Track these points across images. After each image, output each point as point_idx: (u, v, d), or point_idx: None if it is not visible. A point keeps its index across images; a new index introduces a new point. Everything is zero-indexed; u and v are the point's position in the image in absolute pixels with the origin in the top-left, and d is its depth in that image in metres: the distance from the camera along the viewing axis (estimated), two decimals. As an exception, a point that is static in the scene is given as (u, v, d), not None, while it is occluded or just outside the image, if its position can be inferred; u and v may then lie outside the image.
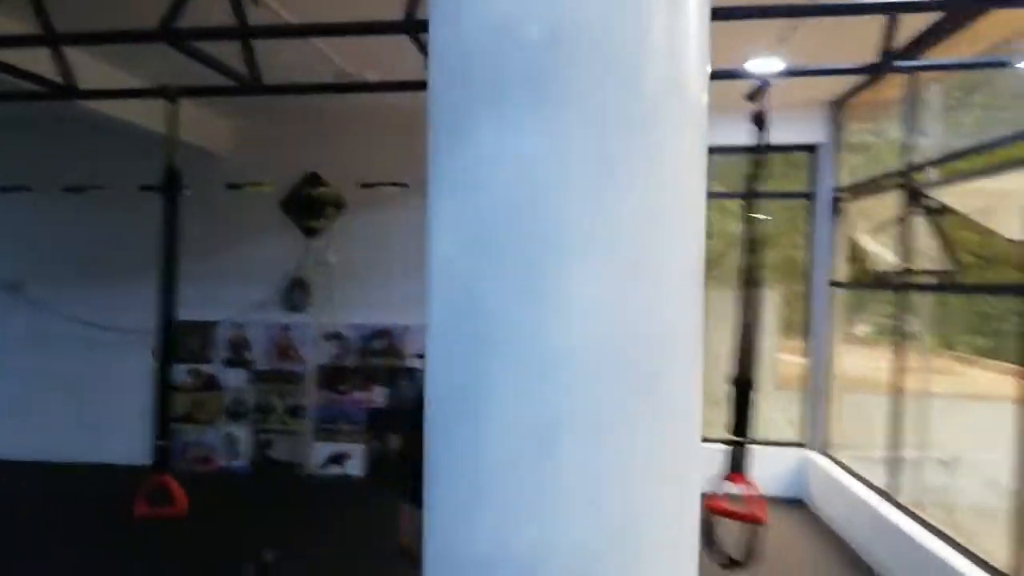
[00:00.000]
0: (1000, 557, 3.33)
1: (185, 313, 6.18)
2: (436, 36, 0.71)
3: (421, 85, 2.93)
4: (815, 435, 5.57)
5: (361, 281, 6.09)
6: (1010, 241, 4.06)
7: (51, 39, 2.51)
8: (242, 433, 6.10)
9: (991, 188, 4.07)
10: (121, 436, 6.27)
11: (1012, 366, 3.99)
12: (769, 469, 5.62)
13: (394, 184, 6.15)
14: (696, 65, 0.69)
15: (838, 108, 5.66)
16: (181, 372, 6.20)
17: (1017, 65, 3.33)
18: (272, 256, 6.24)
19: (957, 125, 5.26)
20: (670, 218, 0.67)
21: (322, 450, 5.94)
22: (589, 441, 0.65)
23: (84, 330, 6.40)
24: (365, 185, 6.13)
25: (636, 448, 0.66)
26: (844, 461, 5.15)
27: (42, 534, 4.64)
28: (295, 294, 6.21)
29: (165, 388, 3.18)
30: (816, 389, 5.64)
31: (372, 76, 5.24)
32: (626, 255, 0.65)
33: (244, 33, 2.61)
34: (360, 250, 6.13)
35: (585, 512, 0.66)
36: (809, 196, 5.89)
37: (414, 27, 2.41)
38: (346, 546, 4.44)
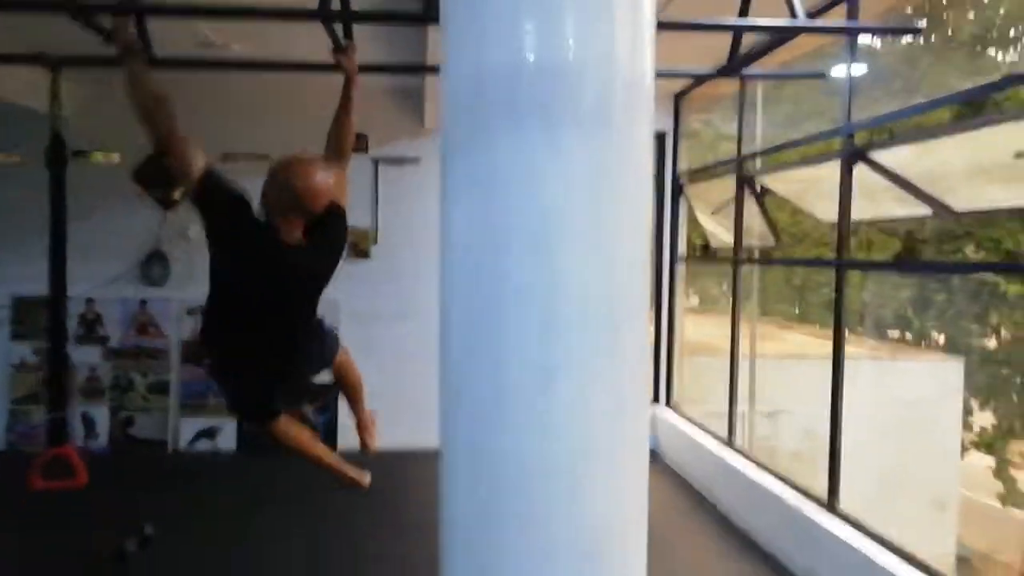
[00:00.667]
0: (819, 491, 3.99)
1: (30, 288, 5.82)
2: (455, 61, 0.93)
3: (298, 66, 3.03)
4: (665, 394, 6.23)
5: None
6: (818, 220, 4.78)
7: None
8: (99, 413, 5.82)
9: (806, 175, 4.75)
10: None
11: (820, 329, 4.71)
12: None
13: (259, 156, 6.06)
14: (650, 71, 0.95)
15: (680, 100, 6.28)
16: (26, 351, 5.79)
17: (832, 75, 3.97)
18: (126, 229, 5.96)
19: (773, 115, 6.18)
20: (634, 204, 0.94)
21: (191, 426, 5.81)
22: (576, 376, 0.91)
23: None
24: (227, 156, 5.99)
25: (610, 383, 0.94)
26: (690, 416, 5.83)
27: None
28: (153, 268, 5.98)
29: (58, 362, 3.08)
30: (665, 353, 6.29)
31: (240, 49, 5.16)
32: (605, 236, 0.91)
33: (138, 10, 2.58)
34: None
35: (572, 431, 0.92)
36: (656, 180, 6.48)
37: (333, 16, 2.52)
38: (223, 518, 4.46)
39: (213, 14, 2.53)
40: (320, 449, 3.32)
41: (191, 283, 5.81)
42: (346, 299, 6.09)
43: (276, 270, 2.59)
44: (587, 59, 0.83)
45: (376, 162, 6.13)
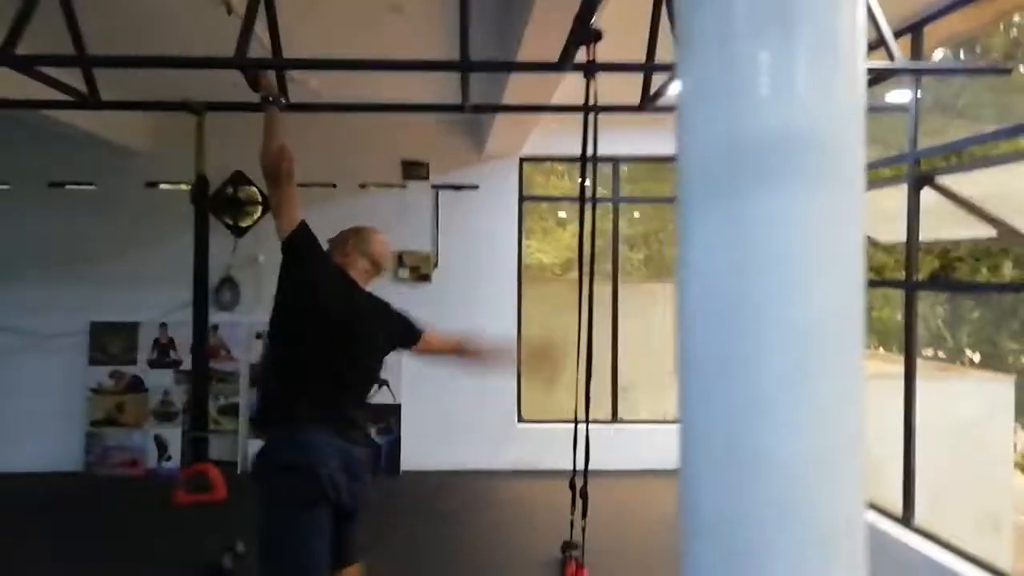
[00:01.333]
0: (885, 505, 4.06)
1: (106, 314, 6.06)
2: (701, 126, 1.07)
3: (361, 106, 3.12)
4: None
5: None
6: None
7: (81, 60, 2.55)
8: (171, 435, 6.00)
9: (867, 196, 4.83)
10: (37, 442, 5.99)
11: (870, 350, 4.74)
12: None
13: (322, 185, 6.28)
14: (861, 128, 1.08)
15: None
16: (102, 375, 6.00)
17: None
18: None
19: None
20: (858, 244, 1.08)
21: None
22: (827, 388, 1.03)
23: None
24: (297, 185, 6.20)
25: (849, 394, 1.06)
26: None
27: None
28: (224, 293, 6.19)
29: (201, 384, 3.24)
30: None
31: (316, 84, 5.38)
32: (838, 269, 1.05)
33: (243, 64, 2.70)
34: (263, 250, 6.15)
35: (824, 423, 1.03)
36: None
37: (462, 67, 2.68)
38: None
39: (355, 66, 2.65)
40: None
41: (259, 308, 6.01)
42: (408, 322, 6.27)
43: (353, 306, 2.65)
44: (826, 123, 0.97)
45: (436, 189, 6.32)
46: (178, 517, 4.79)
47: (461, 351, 2.92)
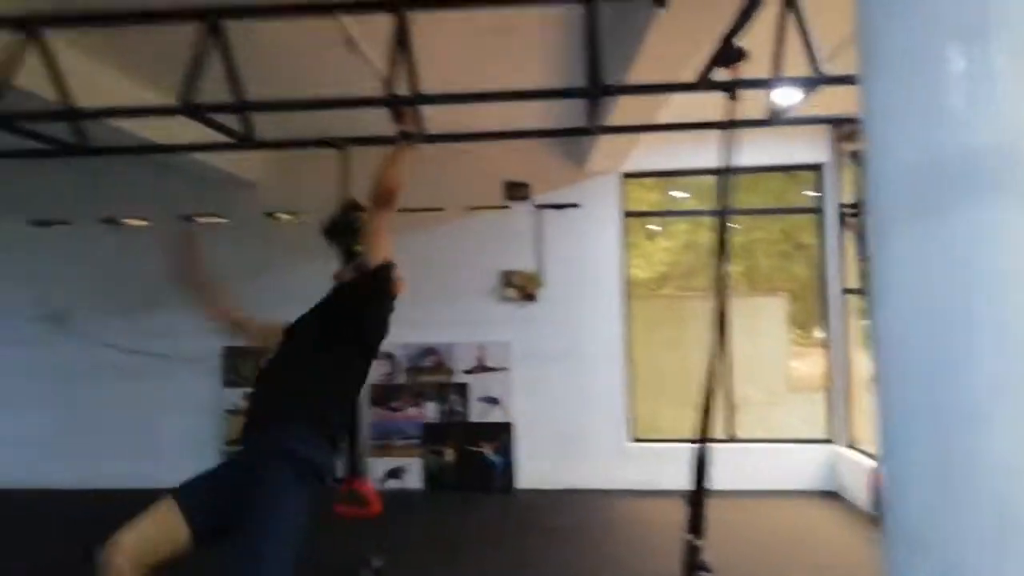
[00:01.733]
0: None
1: (232, 339, 6.43)
2: (889, 133, 1.06)
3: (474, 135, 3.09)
4: (841, 431, 6.05)
5: (405, 302, 6.37)
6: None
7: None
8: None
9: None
10: (177, 460, 6.42)
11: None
12: (799, 465, 6.09)
13: (430, 209, 6.49)
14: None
15: (839, 129, 6.20)
16: (236, 397, 6.38)
17: None
18: (317, 278, 6.47)
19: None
20: None
21: (379, 465, 6.19)
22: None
23: (129, 358, 6.54)
24: (402, 210, 6.43)
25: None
26: (873, 453, 5.63)
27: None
28: (341, 317, 6.46)
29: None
30: (837, 389, 6.12)
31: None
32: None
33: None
34: (402, 273, 6.40)
35: None
36: (817, 211, 6.40)
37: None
38: (422, 551, 4.73)
39: (490, 98, 2.73)
40: None
41: (374, 330, 6.25)
42: (516, 341, 6.36)
43: None
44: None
45: (539, 208, 6.41)
46: (311, 527, 5.02)
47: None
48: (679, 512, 5.50)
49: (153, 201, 6.62)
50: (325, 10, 2.75)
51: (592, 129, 2.87)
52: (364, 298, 2.80)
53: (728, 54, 2.21)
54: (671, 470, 6.26)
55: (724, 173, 2.49)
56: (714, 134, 3.59)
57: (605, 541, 5.00)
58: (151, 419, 6.60)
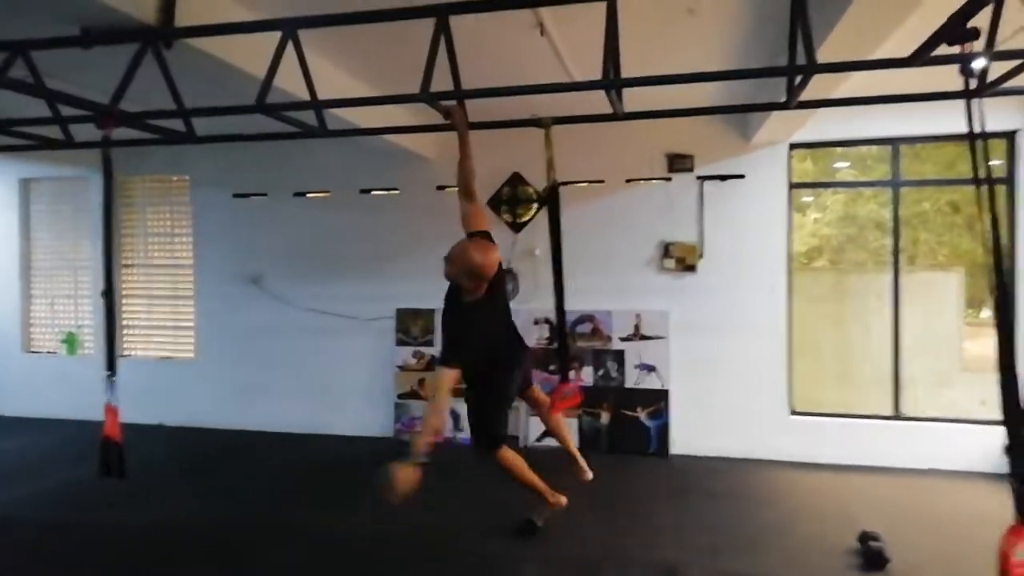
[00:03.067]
0: None
1: (408, 302, 6.98)
2: None
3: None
4: (1022, 413, 5.74)
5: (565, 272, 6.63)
6: None
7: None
8: (463, 409, 6.77)
9: None
10: (355, 410, 7.15)
11: None
12: (971, 446, 5.86)
13: (590, 182, 6.68)
14: None
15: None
16: (407, 355, 6.94)
17: None
18: (482, 249, 6.86)
19: None
20: None
21: (537, 425, 6.54)
22: None
23: (316, 318, 7.24)
24: (564, 183, 6.66)
25: None
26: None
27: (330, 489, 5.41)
28: (506, 283, 6.82)
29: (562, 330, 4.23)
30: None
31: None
32: None
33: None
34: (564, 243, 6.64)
35: None
36: (1007, 181, 6.01)
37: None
38: (581, 508, 4.96)
39: (688, 79, 2.86)
40: (531, 475, 4.20)
41: (537, 296, 6.58)
42: (674, 310, 6.48)
43: (467, 318, 3.75)
44: None
45: (701, 180, 6.43)
46: (475, 480, 5.43)
47: (466, 170, 3.96)
48: (839, 485, 5.51)
49: (337, 175, 7.24)
50: (542, 1, 2.95)
51: (789, 104, 2.94)
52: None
53: (962, 33, 2.23)
54: (830, 444, 6.22)
55: (973, 140, 2.48)
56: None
57: (769, 507, 5.08)
58: (333, 373, 7.29)
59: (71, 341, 8.13)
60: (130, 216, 7.95)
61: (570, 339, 6.63)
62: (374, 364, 7.16)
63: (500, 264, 3.86)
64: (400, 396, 6.98)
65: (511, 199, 6.84)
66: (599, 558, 4.18)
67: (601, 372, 6.58)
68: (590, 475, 4.49)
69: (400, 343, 7.02)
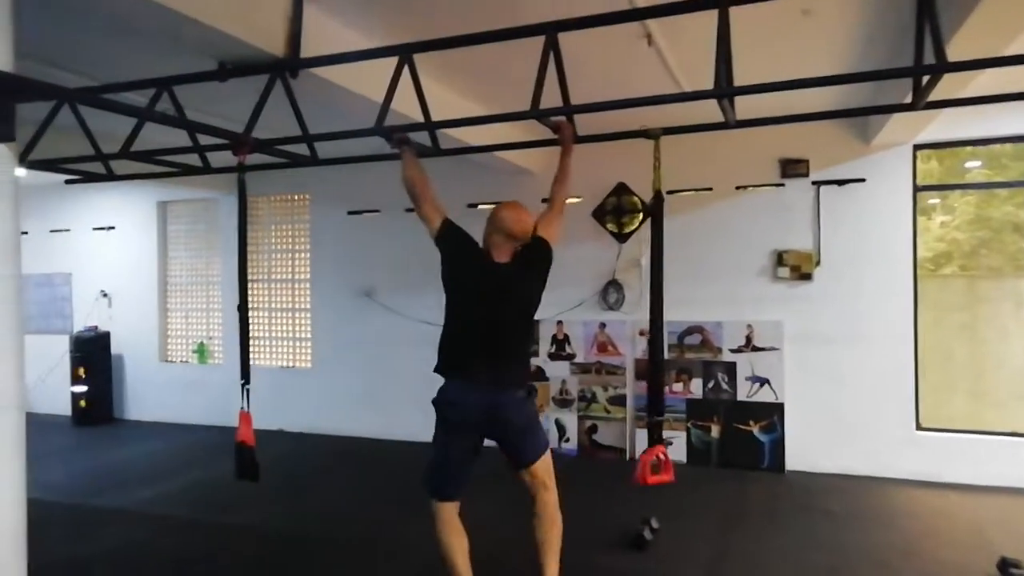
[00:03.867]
0: None
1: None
2: None
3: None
4: None
5: (670, 281, 6.52)
6: None
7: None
8: (569, 420, 6.80)
9: None
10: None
11: None
12: None
13: (698, 190, 6.56)
14: None
15: None
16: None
17: None
18: (588, 260, 6.86)
19: None
20: None
21: (642, 437, 6.45)
22: None
23: (427, 329, 7.44)
24: (670, 192, 6.56)
25: None
26: None
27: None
28: (610, 294, 6.81)
29: (657, 372, 3.74)
30: None
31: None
32: None
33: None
34: (668, 252, 6.54)
35: None
36: None
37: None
38: (694, 520, 4.90)
39: (806, 84, 2.76)
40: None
41: (641, 307, 6.49)
42: (789, 321, 6.25)
43: (488, 280, 3.30)
44: None
45: (817, 185, 6.19)
46: (586, 491, 5.43)
47: (558, 181, 3.66)
48: (971, 506, 5.13)
49: (446, 191, 7.42)
50: (650, 14, 2.95)
51: (916, 106, 2.79)
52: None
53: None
54: (960, 463, 5.80)
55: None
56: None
57: (893, 528, 4.80)
58: (435, 383, 7.45)
59: (202, 351, 8.75)
60: (255, 234, 8.48)
61: (678, 351, 6.52)
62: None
63: (541, 238, 3.42)
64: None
65: (616, 209, 6.81)
66: (713, 576, 4.08)
67: (711, 384, 6.43)
68: None
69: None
